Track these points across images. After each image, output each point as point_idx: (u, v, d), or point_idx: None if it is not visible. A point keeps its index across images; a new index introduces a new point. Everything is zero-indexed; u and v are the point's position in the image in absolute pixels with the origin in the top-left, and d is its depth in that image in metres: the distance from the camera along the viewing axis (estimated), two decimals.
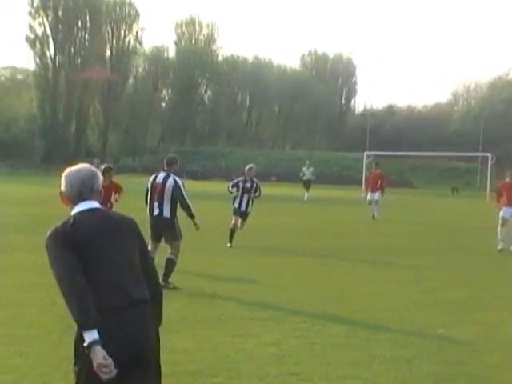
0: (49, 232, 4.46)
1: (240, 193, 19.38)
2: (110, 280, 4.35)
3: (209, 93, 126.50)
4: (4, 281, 12.82)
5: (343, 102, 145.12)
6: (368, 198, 31.70)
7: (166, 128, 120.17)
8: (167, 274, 12.66)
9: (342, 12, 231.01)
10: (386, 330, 10.01)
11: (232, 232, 19.25)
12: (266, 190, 40.72)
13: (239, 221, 19.48)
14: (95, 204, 4.60)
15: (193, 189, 48.60)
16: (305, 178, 44.35)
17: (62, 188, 4.62)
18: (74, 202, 4.57)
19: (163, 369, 7.63)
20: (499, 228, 20.66)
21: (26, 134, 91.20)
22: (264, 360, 8.20)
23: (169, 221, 12.84)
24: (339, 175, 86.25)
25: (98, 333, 4.13)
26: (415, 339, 9.54)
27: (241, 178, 19.49)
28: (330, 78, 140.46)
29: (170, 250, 12.93)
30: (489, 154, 67.51)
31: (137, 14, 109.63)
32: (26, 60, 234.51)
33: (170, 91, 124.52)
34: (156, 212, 12.94)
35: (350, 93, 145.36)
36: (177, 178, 12.94)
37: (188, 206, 12.88)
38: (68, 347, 8.22)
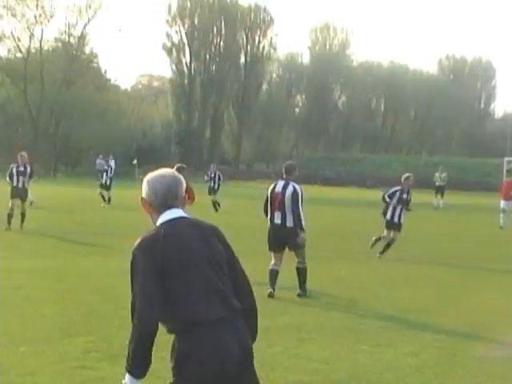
0: (137, 242, 4.27)
1: (395, 203, 18.65)
2: (198, 293, 4.17)
3: (343, 98, 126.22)
4: None
5: (482, 106, 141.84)
6: (501, 206, 30.53)
7: (300, 134, 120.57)
8: (303, 283, 12.58)
9: (480, 14, 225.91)
10: None
11: (386, 245, 18.64)
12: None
13: (391, 233, 18.78)
14: (181, 212, 4.43)
15: (327, 195, 48.65)
16: (438, 184, 43.86)
17: (144, 194, 4.44)
18: (159, 211, 4.40)
19: (301, 377, 7.69)
20: None
21: (162, 141, 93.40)
22: (404, 371, 8.11)
23: (292, 230, 12.47)
24: (478, 181, 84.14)
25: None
26: None
27: (398, 188, 18.73)
28: (468, 82, 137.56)
29: (296, 259, 12.72)
30: None
31: (271, 20, 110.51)
32: (162, 68, 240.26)
33: (303, 97, 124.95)
34: (278, 221, 12.58)
35: (490, 97, 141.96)
36: (296, 186, 12.59)
37: (299, 217, 12.41)
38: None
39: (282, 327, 10.09)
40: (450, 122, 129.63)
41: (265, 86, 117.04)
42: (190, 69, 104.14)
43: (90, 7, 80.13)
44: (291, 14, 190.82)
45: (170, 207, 4.38)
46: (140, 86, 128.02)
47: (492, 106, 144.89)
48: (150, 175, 4.49)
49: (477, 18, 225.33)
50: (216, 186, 34.39)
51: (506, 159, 64.79)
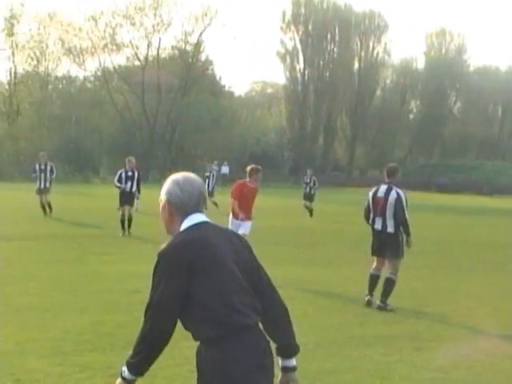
0: (164, 248, 4.09)
1: None
2: (222, 302, 3.99)
3: (458, 104, 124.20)
4: None
5: None
6: None
7: (414, 140, 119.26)
8: (386, 295, 12.02)
9: None
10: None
11: None
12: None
13: None
14: (205, 217, 4.23)
15: (440, 202, 47.93)
16: None
17: (173, 197, 4.21)
18: (185, 214, 4.18)
19: None
20: None
21: (275, 147, 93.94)
22: None
23: (392, 236, 12.11)
24: None
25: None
26: None
27: None
28: None
29: (389, 270, 12.24)
30: None
31: (386, 26, 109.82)
32: (275, 74, 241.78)
33: (418, 103, 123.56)
34: (379, 227, 12.24)
35: None
36: (399, 191, 12.14)
37: (406, 223, 12.05)
38: (322, 360, 8.42)
39: (397, 335, 10.05)
40: None
41: (379, 92, 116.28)
42: (303, 75, 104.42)
43: (206, 15, 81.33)
44: (406, 19, 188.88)
45: (197, 211, 4.21)
46: (254, 93, 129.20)
47: None
48: (179, 177, 4.27)
49: None
50: (312, 191, 33.90)
51: None
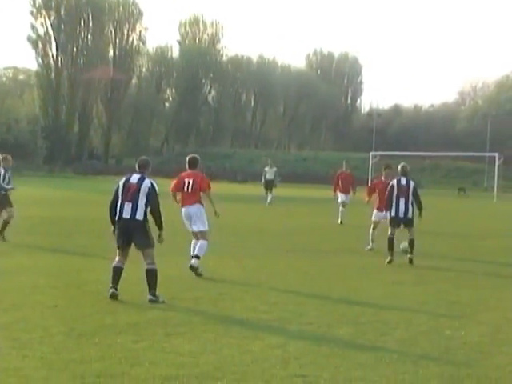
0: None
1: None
2: None
3: (213, 93, 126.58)
4: (6, 284, 12.82)
5: (349, 101, 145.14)
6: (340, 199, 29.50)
7: (170, 128, 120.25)
8: (152, 288, 11.76)
9: (347, 11, 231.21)
10: (393, 331, 10.01)
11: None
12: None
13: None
14: None
15: None
16: (267, 178, 41.52)
17: None
18: None
19: (168, 371, 7.68)
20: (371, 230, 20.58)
21: (28, 135, 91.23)
22: (270, 362, 8.19)
23: (140, 223, 11.93)
24: None
25: None
26: (422, 340, 9.53)
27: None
28: (336, 78, 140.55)
29: (147, 260, 11.95)
30: (496, 154, 67.51)
31: (140, 14, 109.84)
32: (27, 60, 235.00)
33: (173, 91, 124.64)
34: (127, 216, 11.93)
35: (356, 92, 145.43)
36: (152, 181, 12.11)
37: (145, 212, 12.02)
38: (71, 349, 8.28)
39: (149, 322, 10.06)
40: (318, 117, 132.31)
41: (134, 81, 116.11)
42: (56, 62, 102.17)
43: None
44: (161, 7, 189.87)
45: None
46: (4, 79, 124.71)
47: (358, 101, 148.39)
48: None
49: (344, 14, 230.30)
50: None
51: (372, 153, 66.46)
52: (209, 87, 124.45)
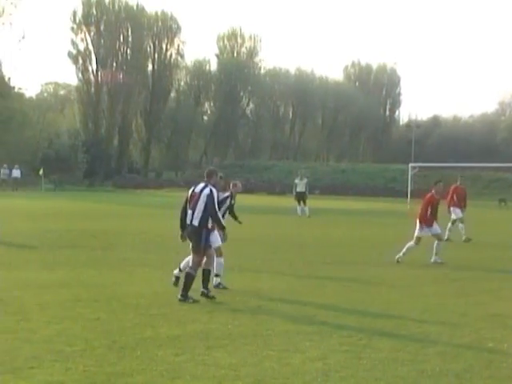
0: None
1: None
2: None
3: (251, 106, 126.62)
4: (48, 297, 12.92)
5: (387, 113, 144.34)
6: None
7: (209, 142, 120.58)
8: (186, 289, 12.83)
9: (385, 22, 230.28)
10: (434, 343, 9.93)
11: None
12: (310, 202, 40.69)
13: None
14: None
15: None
16: (298, 190, 40.89)
17: None
18: None
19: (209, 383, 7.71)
20: None
21: (69, 150, 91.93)
22: (311, 375, 8.18)
23: (196, 229, 12.99)
24: (384, 187, 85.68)
25: None
26: (465, 353, 9.44)
27: None
28: (374, 89, 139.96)
29: (190, 263, 13.29)
30: None
31: (178, 28, 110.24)
32: (68, 75, 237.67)
33: (212, 104, 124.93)
34: (189, 222, 13.11)
35: (395, 104, 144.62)
36: (213, 189, 13.05)
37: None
38: (113, 362, 8.33)
39: (189, 335, 10.08)
40: (356, 129, 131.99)
41: (173, 94, 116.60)
42: (96, 77, 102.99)
43: None
44: (199, 20, 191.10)
45: None
46: (45, 94, 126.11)
47: (397, 112, 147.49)
48: None
49: (382, 24, 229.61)
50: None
51: (411, 165, 66.03)
52: (247, 100, 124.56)
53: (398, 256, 19.52)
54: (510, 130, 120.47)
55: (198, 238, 12.89)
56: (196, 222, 12.88)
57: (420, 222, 19.80)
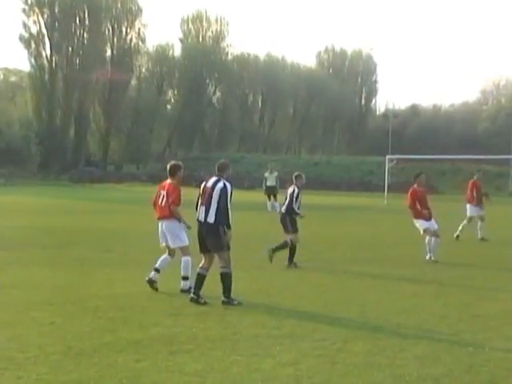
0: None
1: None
2: None
3: (218, 94, 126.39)
4: (0, 299, 12.84)
5: (363, 102, 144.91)
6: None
7: (173, 133, 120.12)
8: (228, 290, 13.07)
9: (360, 5, 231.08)
10: (412, 347, 9.99)
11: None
12: (280, 197, 40.73)
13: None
14: None
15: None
16: (268, 185, 41.14)
17: None
18: None
19: None
20: None
21: (21, 141, 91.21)
22: (281, 381, 8.20)
23: (212, 226, 12.95)
24: (360, 181, 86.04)
25: None
26: (445, 357, 9.51)
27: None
28: (349, 77, 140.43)
29: (220, 264, 13.14)
30: None
31: (139, 10, 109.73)
32: (19, 61, 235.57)
33: (175, 93, 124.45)
34: (201, 218, 13.09)
35: (371, 92, 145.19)
36: (227, 183, 13.08)
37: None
38: (68, 370, 8.29)
39: (152, 339, 10.06)
40: (330, 119, 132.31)
41: (134, 81, 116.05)
42: (50, 62, 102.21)
43: None
44: (161, 2, 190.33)
45: None
46: None
47: (373, 101, 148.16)
48: None
49: (357, 8, 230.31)
50: None
51: (388, 157, 66.27)
52: (213, 88, 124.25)
53: (427, 256, 19.93)
54: (492, 119, 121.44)
55: (216, 235, 12.85)
56: (211, 220, 12.86)
57: (415, 218, 20.30)
